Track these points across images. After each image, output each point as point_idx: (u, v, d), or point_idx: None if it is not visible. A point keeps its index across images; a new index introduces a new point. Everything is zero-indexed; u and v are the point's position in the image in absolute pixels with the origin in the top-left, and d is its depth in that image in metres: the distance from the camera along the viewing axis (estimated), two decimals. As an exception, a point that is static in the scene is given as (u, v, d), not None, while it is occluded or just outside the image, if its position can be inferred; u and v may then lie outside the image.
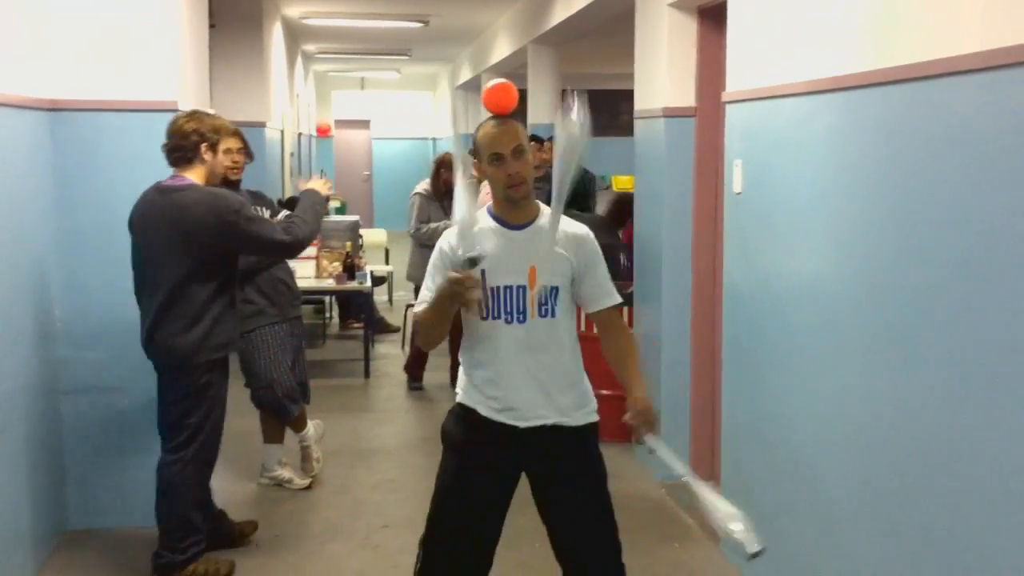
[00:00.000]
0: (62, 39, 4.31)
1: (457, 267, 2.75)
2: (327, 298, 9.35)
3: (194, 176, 3.93)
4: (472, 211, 2.82)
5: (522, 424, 2.91)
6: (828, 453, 3.34)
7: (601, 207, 7.84)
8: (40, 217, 4.20)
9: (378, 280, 9.83)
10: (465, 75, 16.14)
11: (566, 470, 2.95)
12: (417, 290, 4.12)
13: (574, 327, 3.01)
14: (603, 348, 3.03)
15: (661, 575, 4.21)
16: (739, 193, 4.07)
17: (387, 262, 11.38)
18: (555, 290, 2.89)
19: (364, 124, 21.88)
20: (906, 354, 2.84)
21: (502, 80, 2.99)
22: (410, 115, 21.83)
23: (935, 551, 2.72)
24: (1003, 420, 2.42)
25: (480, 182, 4.02)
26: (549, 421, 2.91)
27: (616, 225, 6.98)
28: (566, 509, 2.96)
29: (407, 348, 8.06)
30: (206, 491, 4.14)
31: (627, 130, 6.26)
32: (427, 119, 21.81)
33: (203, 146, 3.92)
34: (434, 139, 21.22)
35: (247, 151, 4.74)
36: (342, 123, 21.49)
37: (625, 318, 5.79)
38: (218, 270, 3.92)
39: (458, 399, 3.04)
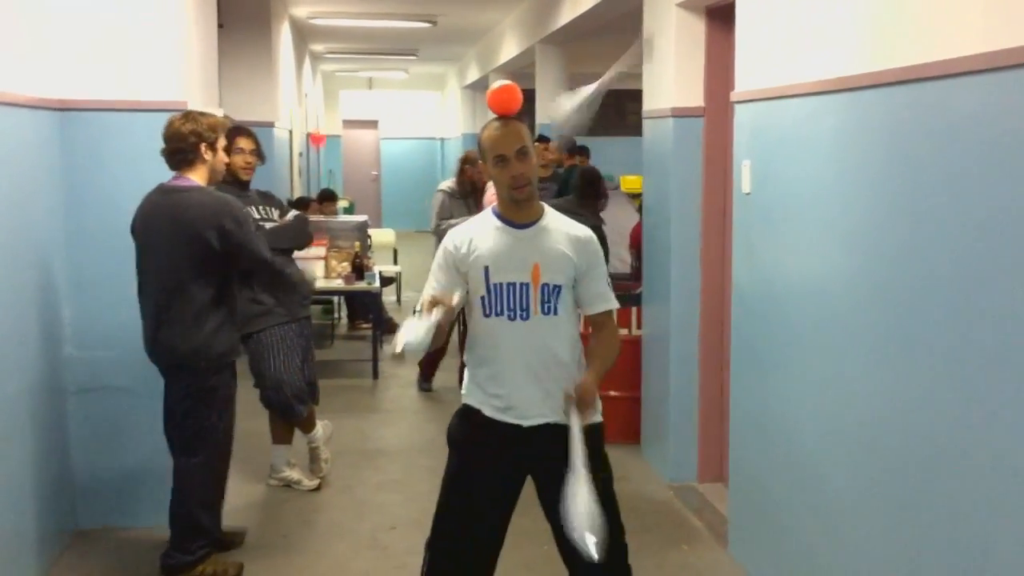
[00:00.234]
0: (70, 39, 4.32)
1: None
2: (336, 298, 9.35)
3: (196, 176, 3.93)
4: (424, 339, 2.76)
5: (525, 423, 2.93)
6: (832, 451, 3.35)
7: (611, 209, 7.75)
8: (48, 216, 4.21)
9: (387, 280, 9.84)
10: (472, 75, 16.14)
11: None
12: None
13: (576, 327, 3.02)
14: (588, 344, 3.05)
15: (669, 576, 4.20)
16: (748, 193, 4.06)
17: (395, 262, 11.37)
18: (558, 288, 2.91)
19: (372, 124, 21.90)
20: (910, 353, 2.84)
21: (506, 82, 3.01)
22: (418, 115, 21.85)
23: (938, 548, 2.72)
24: (1006, 417, 2.42)
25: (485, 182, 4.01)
26: (551, 419, 2.91)
27: (590, 201, 6.43)
28: None
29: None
30: (216, 493, 4.14)
31: (635, 130, 6.23)
32: (435, 119, 21.84)
33: (202, 146, 3.91)
34: (442, 139, 21.23)
35: (259, 152, 4.74)
36: (350, 123, 21.49)
37: (634, 318, 5.83)
38: (218, 271, 3.92)
39: (463, 399, 3.07)
